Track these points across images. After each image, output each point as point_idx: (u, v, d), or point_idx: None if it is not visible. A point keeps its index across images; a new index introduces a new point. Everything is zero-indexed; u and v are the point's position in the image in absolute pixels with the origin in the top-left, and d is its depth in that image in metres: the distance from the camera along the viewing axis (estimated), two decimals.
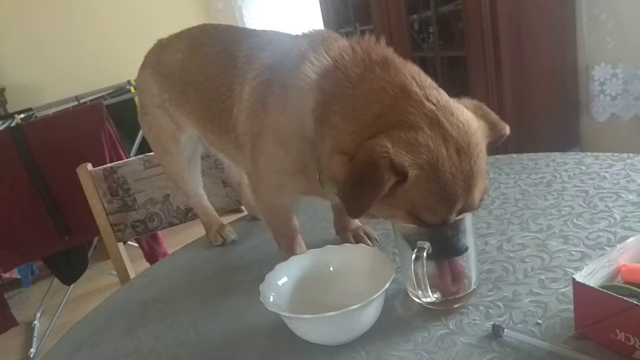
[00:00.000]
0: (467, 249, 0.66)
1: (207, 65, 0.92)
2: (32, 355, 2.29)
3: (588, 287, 0.56)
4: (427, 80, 0.66)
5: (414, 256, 0.64)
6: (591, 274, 0.59)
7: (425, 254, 0.63)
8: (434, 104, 0.62)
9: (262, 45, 0.83)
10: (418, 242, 0.64)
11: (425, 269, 0.64)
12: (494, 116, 0.68)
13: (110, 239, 1.30)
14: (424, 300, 0.67)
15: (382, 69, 0.66)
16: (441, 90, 0.66)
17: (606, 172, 0.96)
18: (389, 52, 0.69)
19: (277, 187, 0.83)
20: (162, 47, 1.03)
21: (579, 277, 0.58)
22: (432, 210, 0.62)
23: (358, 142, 0.63)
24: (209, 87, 0.90)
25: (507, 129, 0.68)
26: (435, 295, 0.67)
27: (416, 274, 0.64)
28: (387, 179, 0.59)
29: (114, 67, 3.05)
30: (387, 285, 0.65)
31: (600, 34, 2.28)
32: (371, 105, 0.64)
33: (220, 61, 0.89)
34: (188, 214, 1.35)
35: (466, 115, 0.64)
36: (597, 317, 0.56)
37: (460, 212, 0.64)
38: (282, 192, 0.84)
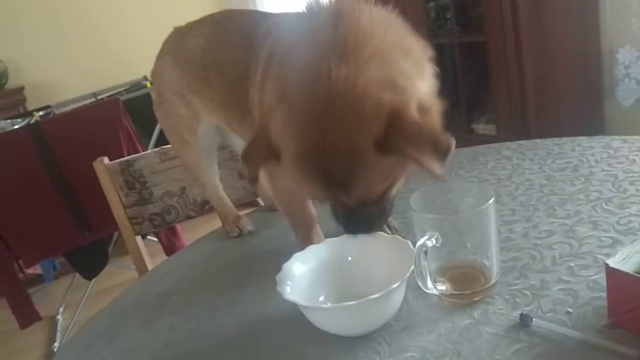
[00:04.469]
0: (366, 233, 0.67)
1: (229, 49, 0.91)
2: (55, 350, 2.33)
3: (623, 272, 0.53)
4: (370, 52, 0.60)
5: (417, 245, 0.62)
6: (625, 260, 0.56)
7: (430, 244, 0.62)
8: (334, 83, 0.57)
9: (279, 24, 0.81)
10: (427, 233, 0.63)
11: (424, 262, 0.62)
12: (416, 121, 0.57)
13: (128, 233, 1.30)
14: (426, 291, 0.65)
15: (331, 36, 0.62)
16: (369, 64, 0.58)
17: (635, 155, 0.92)
18: (364, 18, 0.66)
19: None
20: (181, 34, 1.02)
21: (613, 262, 0.55)
22: (309, 194, 0.63)
23: None
24: (230, 70, 0.89)
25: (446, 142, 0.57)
26: (441, 288, 0.64)
27: (416, 264, 0.62)
28: (263, 156, 0.63)
29: (133, 62, 3.04)
30: (407, 275, 0.63)
31: (624, 15, 2.20)
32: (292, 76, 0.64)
33: (241, 44, 0.88)
34: (205, 207, 1.34)
35: (369, 103, 0.57)
36: (633, 304, 0.53)
37: (349, 202, 0.62)
38: None
